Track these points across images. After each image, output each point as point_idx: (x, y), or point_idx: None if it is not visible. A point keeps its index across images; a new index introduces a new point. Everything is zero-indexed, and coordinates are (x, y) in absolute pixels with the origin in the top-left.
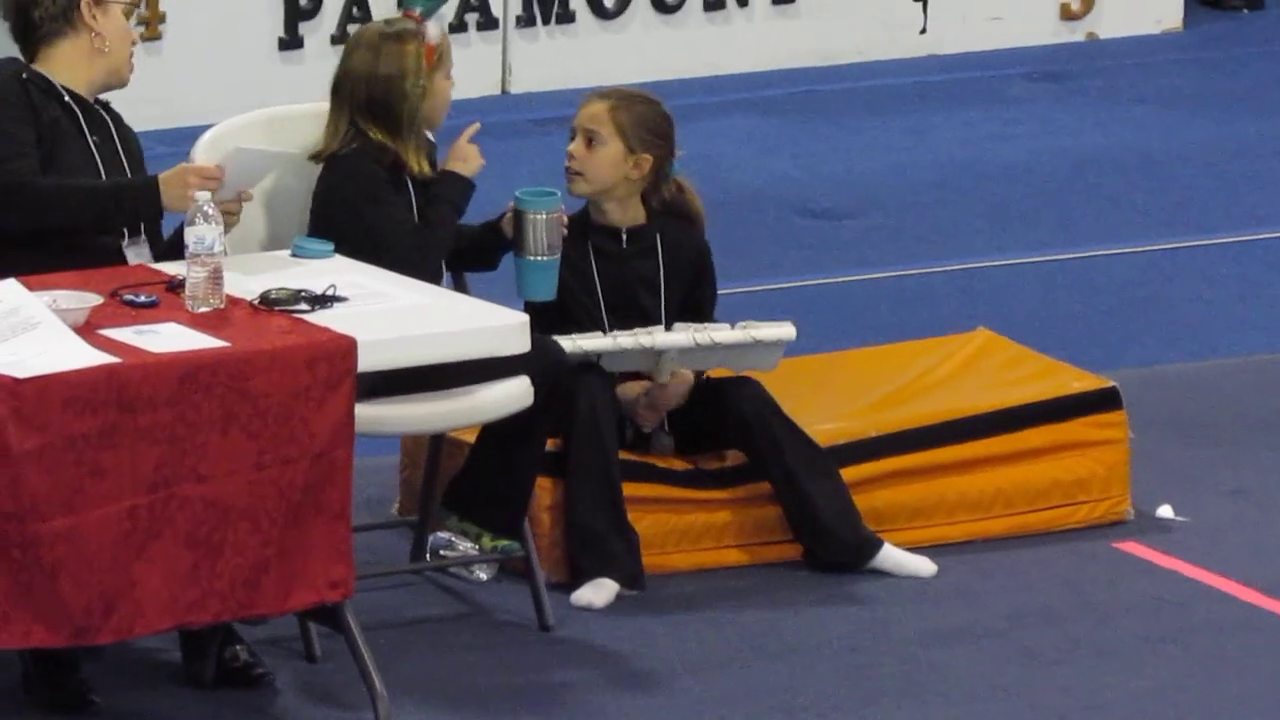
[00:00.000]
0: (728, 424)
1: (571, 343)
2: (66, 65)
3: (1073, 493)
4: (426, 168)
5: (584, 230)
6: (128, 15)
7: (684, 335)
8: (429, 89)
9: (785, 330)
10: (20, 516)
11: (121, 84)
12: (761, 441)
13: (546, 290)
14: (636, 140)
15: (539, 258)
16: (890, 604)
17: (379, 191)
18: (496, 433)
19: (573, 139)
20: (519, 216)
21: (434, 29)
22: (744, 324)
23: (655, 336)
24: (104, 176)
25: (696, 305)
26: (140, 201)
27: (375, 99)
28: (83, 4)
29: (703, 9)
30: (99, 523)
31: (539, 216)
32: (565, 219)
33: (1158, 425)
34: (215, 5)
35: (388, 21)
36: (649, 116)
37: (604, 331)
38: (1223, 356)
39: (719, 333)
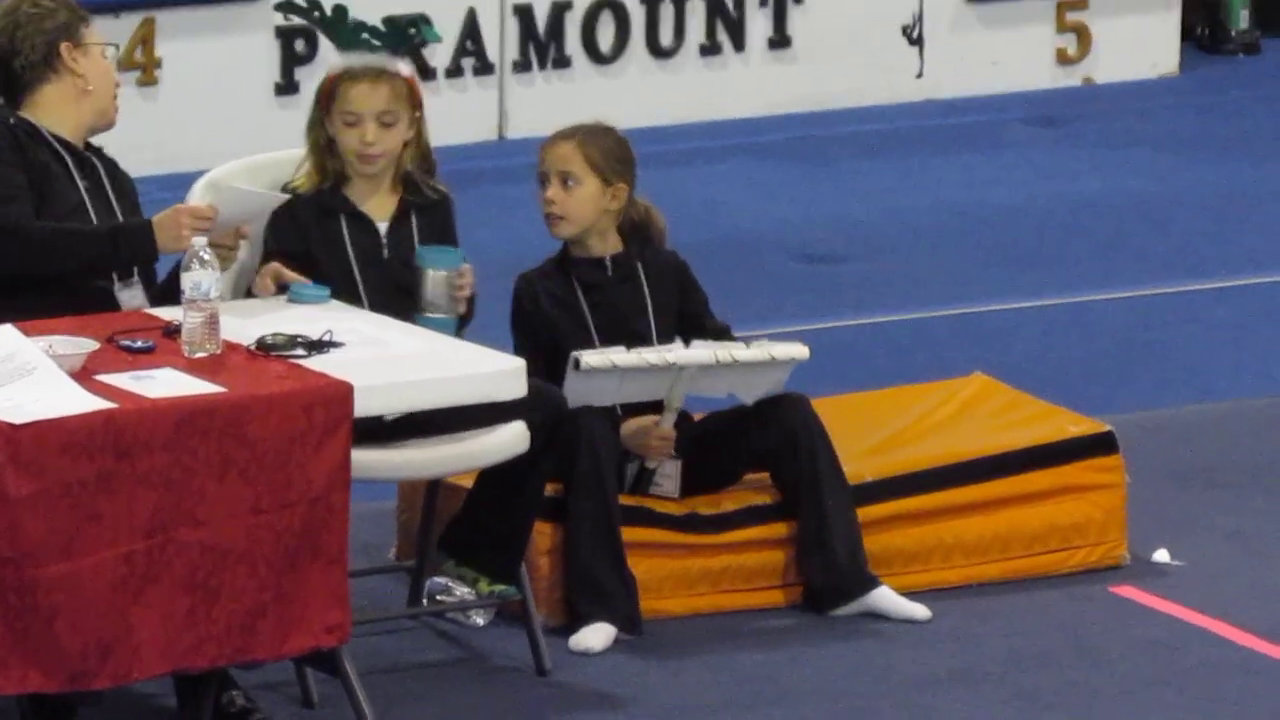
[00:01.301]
0: (769, 434)
1: (601, 355)
2: (53, 111)
3: (1069, 537)
4: (386, 207)
5: (564, 267)
6: (108, 57)
7: (705, 352)
8: (332, 124)
9: (798, 350)
10: (17, 562)
11: (109, 125)
12: (803, 457)
13: None
14: (610, 172)
15: (434, 315)
16: (887, 648)
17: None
18: (494, 477)
19: (545, 184)
20: (419, 274)
21: (334, 59)
22: (759, 343)
23: (677, 353)
24: (90, 209)
25: (695, 316)
26: (135, 244)
27: None
28: (62, 48)
29: (699, 54)
30: (96, 568)
31: (436, 273)
32: (468, 282)
33: (1154, 469)
34: (211, 50)
35: None
36: (614, 146)
37: None
38: (1219, 400)
39: (739, 350)
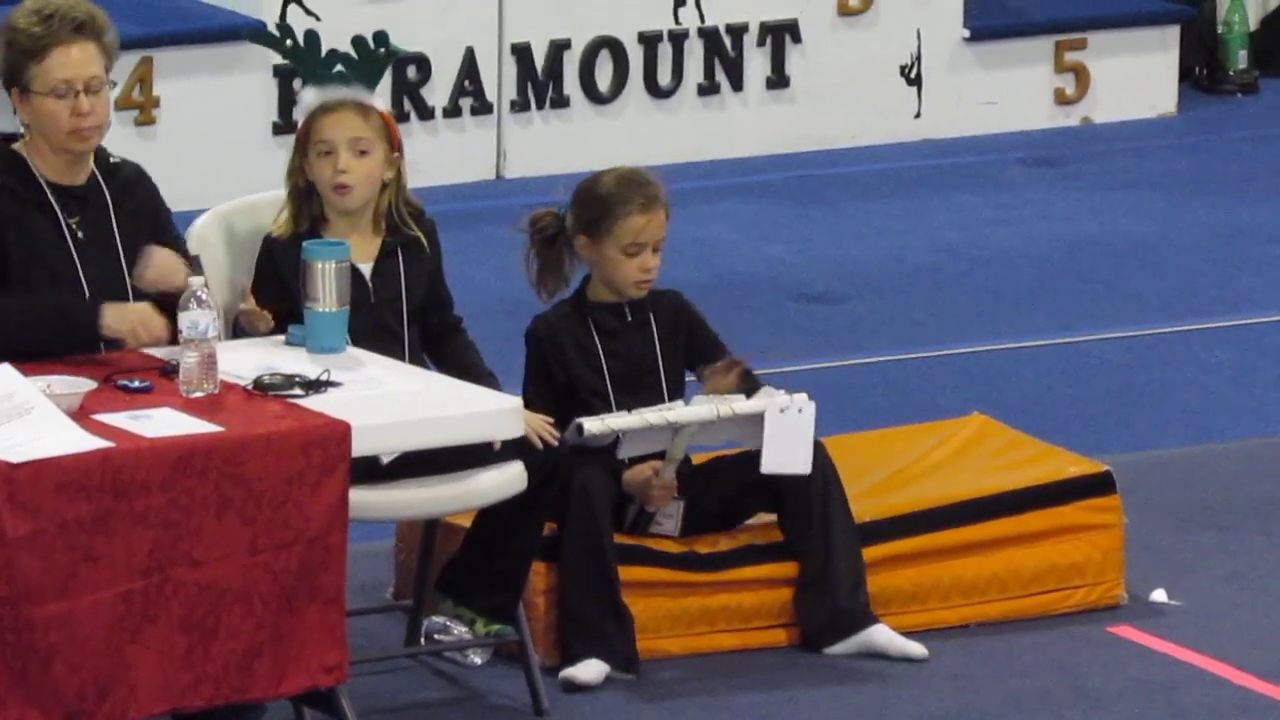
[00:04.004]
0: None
1: (601, 422)
2: (31, 152)
3: (1067, 577)
4: (369, 249)
5: (582, 310)
6: (62, 91)
7: (706, 408)
8: (308, 165)
9: (798, 398)
10: (14, 601)
11: (89, 148)
12: (816, 500)
13: (337, 342)
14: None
15: (329, 309)
16: (885, 688)
17: (255, 276)
18: (492, 518)
19: (639, 253)
20: (307, 268)
21: (307, 97)
22: (761, 394)
23: (678, 411)
24: (78, 262)
25: (708, 356)
26: (79, 324)
27: None
28: (12, 96)
29: (697, 94)
30: (93, 607)
31: (328, 266)
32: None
33: (1152, 510)
34: (209, 90)
35: None
36: None
37: (613, 407)
38: (1217, 441)
39: (738, 404)
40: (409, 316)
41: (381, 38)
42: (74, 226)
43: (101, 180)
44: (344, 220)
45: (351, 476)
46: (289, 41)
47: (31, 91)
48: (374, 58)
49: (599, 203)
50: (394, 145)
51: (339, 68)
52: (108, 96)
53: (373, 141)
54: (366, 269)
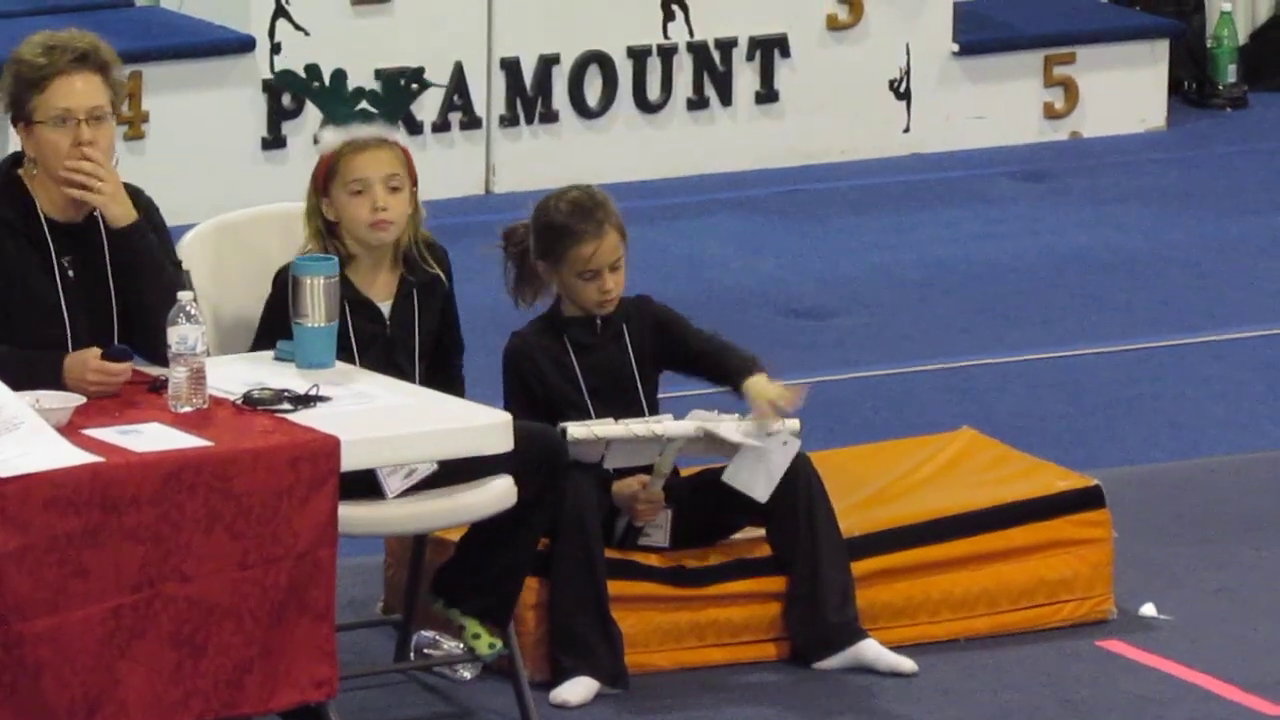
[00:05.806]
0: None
1: (586, 428)
2: (36, 187)
3: (1056, 591)
4: (388, 287)
5: (556, 325)
6: (63, 120)
7: (692, 424)
8: (333, 204)
9: (791, 426)
10: (3, 617)
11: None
12: (803, 515)
13: (325, 357)
14: (624, 235)
15: (317, 324)
16: (875, 703)
17: (267, 307)
18: (489, 522)
19: (595, 277)
20: (296, 283)
21: (328, 137)
22: (753, 416)
23: (665, 424)
24: (64, 301)
25: (686, 351)
26: (40, 378)
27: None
28: (19, 130)
29: (686, 108)
30: (83, 623)
31: (316, 281)
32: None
33: (1141, 524)
34: (198, 104)
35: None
36: (616, 208)
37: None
38: (1206, 455)
39: (724, 425)
40: (420, 355)
41: (414, 75)
42: (65, 265)
43: (100, 217)
44: (369, 258)
45: (353, 496)
46: (315, 84)
47: (34, 122)
48: (401, 92)
49: (551, 231)
50: (413, 180)
51: (363, 105)
52: (112, 130)
53: (403, 178)
54: (386, 307)
